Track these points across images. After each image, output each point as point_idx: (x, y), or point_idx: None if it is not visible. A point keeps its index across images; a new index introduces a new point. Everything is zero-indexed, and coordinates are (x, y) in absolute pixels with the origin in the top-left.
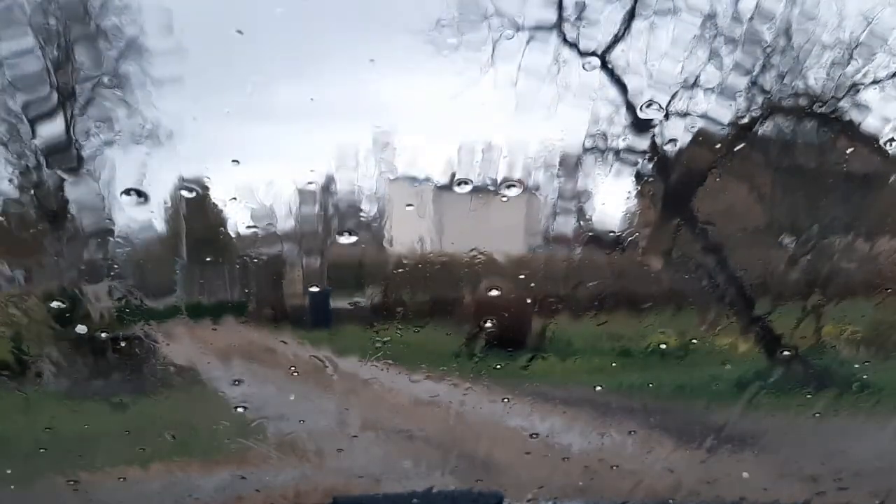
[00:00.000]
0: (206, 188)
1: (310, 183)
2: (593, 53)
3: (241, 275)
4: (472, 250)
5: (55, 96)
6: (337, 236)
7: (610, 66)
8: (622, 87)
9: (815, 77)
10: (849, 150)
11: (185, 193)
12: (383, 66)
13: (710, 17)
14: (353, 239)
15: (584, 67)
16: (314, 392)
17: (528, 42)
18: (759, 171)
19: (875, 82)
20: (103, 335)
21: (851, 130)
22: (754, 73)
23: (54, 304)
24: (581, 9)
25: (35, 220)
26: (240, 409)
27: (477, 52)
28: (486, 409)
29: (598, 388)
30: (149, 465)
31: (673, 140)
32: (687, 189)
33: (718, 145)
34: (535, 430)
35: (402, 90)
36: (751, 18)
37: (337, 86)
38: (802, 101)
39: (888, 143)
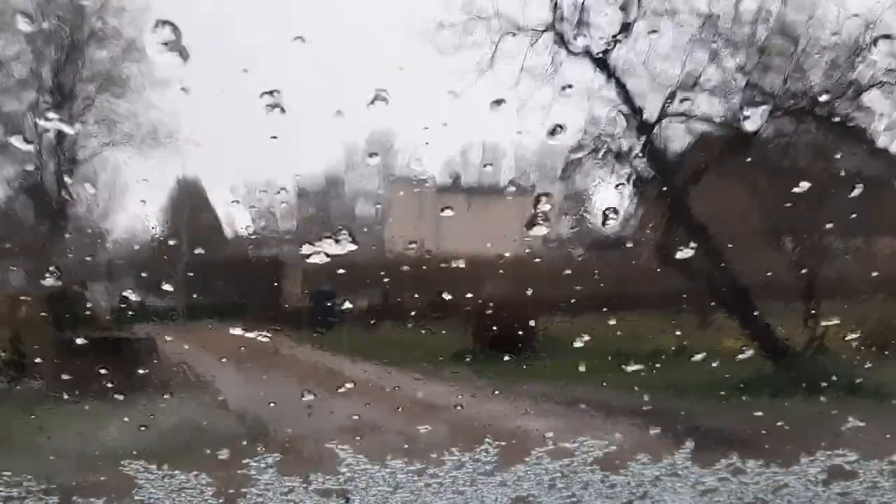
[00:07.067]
0: (206, 189)
1: (310, 184)
2: (593, 54)
3: (241, 275)
4: (471, 251)
5: (56, 97)
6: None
7: (610, 67)
8: (622, 89)
9: (816, 78)
10: (849, 152)
11: (184, 193)
12: (384, 67)
13: (711, 18)
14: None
15: (584, 68)
16: (315, 392)
17: (529, 44)
18: (759, 173)
19: (876, 84)
20: (101, 336)
21: (851, 131)
22: (754, 75)
23: (53, 305)
24: (580, 10)
25: (35, 220)
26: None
27: (477, 54)
28: (487, 408)
29: (597, 388)
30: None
31: (672, 141)
32: (686, 190)
33: (717, 146)
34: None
35: (402, 91)
36: (752, 20)
37: (337, 86)
38: (803, 103)
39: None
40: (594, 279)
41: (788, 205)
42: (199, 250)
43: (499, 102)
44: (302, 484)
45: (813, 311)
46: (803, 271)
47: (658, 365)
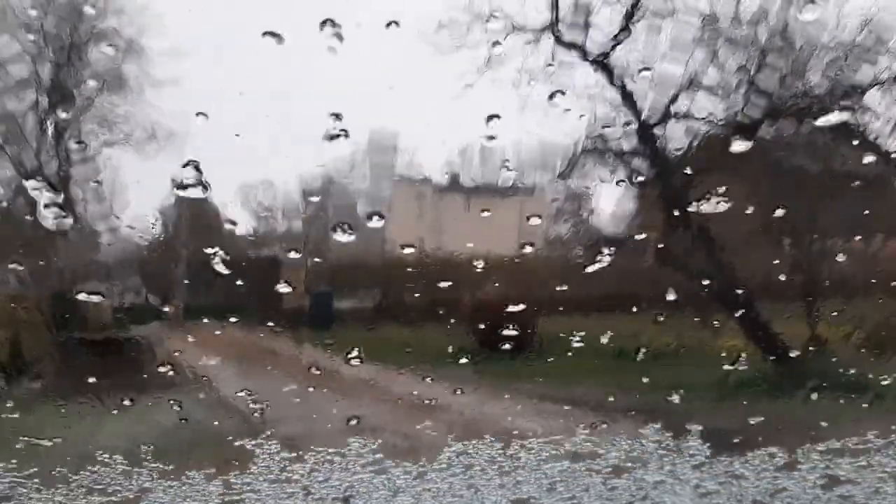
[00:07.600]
0: (206, 189)
1: (310, 184)
2: (593, 54)
3: (240, 276)
4: (472, 251)
5: (55, 97)
6: (332, 233)
7: (609, 67)
8: (622, 89)
9: (816, 79)
10: (849, 153)
11: (184, 194)
12: (383, 68)
13: (710, 18)
14: (352, 237)
15: (584, 68)
16: (315, 392)
17: (529, 43)
18: (759, 173)
19: (877, 84)
20: (100, 337)
21: (852, 132)
22: (754, 75)
23: (52, 306)
24: (580, 10)
25: (34, 221)
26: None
27: (477, 54)
28: (487, 408)
29: (597, 389)
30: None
31: (672, 141)
32: (686, 191)
33: (718, 147)
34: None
35: (402, 91)
36: (752, 20)
37: (337, 87)
38: (803, 103)
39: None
40: (594, 279)
41: (789, 205)
42: (198, 250)
43: (494, 117)
44: (302, 491)
45: (813, 311)
46: (803, 271)
47: (658, 365)
